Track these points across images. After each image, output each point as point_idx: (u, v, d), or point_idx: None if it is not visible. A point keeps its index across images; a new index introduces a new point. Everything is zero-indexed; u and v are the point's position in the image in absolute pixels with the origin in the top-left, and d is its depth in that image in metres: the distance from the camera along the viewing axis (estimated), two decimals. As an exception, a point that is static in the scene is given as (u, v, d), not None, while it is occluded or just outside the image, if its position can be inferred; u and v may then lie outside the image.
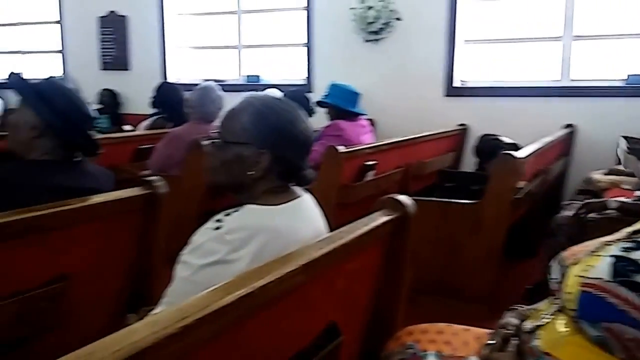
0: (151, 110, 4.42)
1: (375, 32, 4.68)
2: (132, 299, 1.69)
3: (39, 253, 1.42)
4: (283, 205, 1.22)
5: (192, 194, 3.03)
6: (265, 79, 5.37)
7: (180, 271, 1.15)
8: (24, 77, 1.67)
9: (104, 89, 5.76)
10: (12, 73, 1.63)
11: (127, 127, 5.12)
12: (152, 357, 0.65)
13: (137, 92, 5.73)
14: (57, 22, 6.22)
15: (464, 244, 2.62)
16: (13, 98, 6.53)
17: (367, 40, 4.73)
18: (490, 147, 3.51)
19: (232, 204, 1.26)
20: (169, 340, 0.68)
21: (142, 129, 4.18)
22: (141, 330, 0.67)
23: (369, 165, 3.10)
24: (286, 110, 1.24)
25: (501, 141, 3.56)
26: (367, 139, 3.63)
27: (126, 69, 5.89)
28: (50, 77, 1.70)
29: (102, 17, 5.90)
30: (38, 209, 1.39)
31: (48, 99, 1.57)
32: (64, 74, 5.74)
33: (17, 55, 6.77)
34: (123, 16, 5.82)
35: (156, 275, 1.73)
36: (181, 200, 2.85)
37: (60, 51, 6.24)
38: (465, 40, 4.56)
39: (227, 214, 1.16)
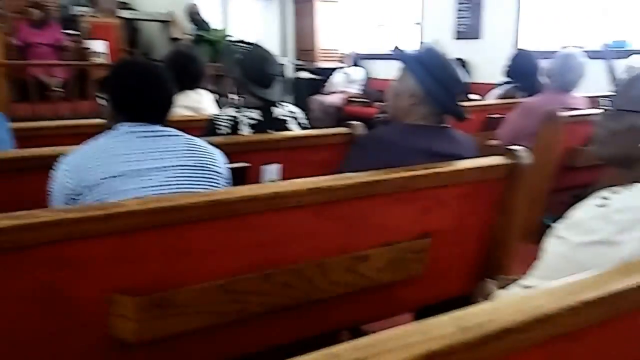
0: (498, 80, 4.37)
1: None
2: (487, 265, 1.73)
3: (409, 209, 1.57)
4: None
5: (542, 168, 2.91)
6: (633, 45, 4.72)
7: (555, 246, 1.11)
8: (404, 48, 1.84)
9: (456, 58, 5.93)
10: (396, 47, 1.81)
11: (473, 97, 5.19)
12: (552, 323, 0.66)
13: (485, 60, 5.75)
14: (421, -6, 6.66)
15: None
16: (378, 68, 7.34)
17: None
18: None
19: (587, 182, 1.16)
20: (567, 311, 0.68)
21: (492, 98, 4.18)
22: (539, 297, 0.68)
23: None
24: None
25: None
26: None
27: (477, 38, 5.95)
28: (428, 45, 1.83)
29: (462, -14, 6.07)
30: (412, 169, 1.54)
31: (429, 68, 1.70)
32: (434, 41, 6.09)
33: (380, 28, 7.56)
34: (482, -17, 5.86)
35: (511, 245, 1.74)
36: (530, 174, 2.77)
37: (418, 23, 6.69)
38: None
39: (615, 192, 1.07)
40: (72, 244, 1.05)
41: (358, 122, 2.53)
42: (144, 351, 1.22)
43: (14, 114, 2.46)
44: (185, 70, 2.82)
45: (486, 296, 1.36)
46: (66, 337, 1.13)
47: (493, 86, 4.45)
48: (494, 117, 3.52)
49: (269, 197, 1.25)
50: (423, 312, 1.88)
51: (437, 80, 1.69)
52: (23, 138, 2.26)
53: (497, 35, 5.72)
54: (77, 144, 1.64)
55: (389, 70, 6.87)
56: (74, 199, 1.43)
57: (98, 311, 1.14)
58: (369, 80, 7.36)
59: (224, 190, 1.32)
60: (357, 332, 2.05)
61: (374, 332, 2.11)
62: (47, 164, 1.52)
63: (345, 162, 1.84)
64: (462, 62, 5.95)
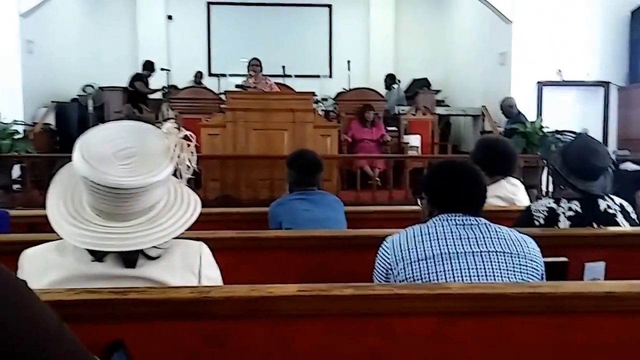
0: None
1: None
2: None
3: None
4: None
5: None
6: None
7: None
8: None
9: None
10: None
11: None
12: None
13: None
14: None
15: None
16: None
17: None
18: None
19: None
20: None
21: None
22: None
23: None
24: None
25: None
26: None
27: None
28: None
29: None
30: None
31: None
32: None
33: None
34: None
35: None
36: None
37: None
38: None
39: None
40: (400, 318, 1.12)
41: None
42: None
43: (341, 199, 2.88)
44: (496, 160, 2.82)
45: None
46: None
47: None
48: None
49: (602, 297, 1.13)
50: None
51: None
52: (350, 220, 2.61)
53: None
54: (393, 227, 1.80)
55: None
56: (390, 274, 1.55)
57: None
58: None
59: (551, 283, 1.25)
60: None
61: None
62: (373, 243, 1.68)
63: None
64: None
